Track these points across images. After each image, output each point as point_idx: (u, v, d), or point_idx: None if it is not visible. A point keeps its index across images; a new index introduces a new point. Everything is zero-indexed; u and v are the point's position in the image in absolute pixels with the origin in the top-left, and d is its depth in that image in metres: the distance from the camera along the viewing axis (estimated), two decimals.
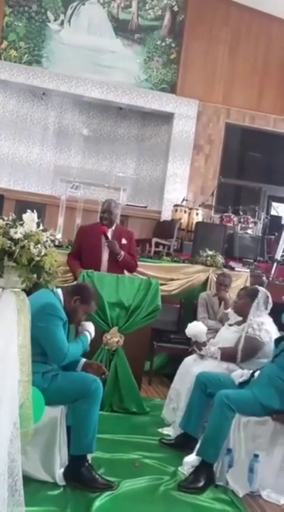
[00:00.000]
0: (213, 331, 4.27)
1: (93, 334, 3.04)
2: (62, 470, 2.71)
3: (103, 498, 2.62)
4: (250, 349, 3.40)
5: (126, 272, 4.56)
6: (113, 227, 4.53)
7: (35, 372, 2.29)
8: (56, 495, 2.60)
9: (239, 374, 3.23)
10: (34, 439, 2.33)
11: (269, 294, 3.59)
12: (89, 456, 2.80)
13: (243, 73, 9.71)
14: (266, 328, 3.43)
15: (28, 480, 2.33)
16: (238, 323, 3.65)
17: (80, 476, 2.69)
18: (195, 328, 3.78)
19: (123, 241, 4.50)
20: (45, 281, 2.08)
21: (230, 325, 3.78)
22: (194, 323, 3.89)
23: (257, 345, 3.39)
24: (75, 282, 3.98)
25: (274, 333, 3.48)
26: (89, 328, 3.03)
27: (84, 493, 2.65)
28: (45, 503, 2.49)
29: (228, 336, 3.66)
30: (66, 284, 4.21)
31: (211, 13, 9.54)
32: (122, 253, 4.43)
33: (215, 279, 5.20)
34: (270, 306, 3.57)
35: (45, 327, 2.70)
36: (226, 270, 5.50)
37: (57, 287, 2.88)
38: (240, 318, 3.66)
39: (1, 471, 1.89)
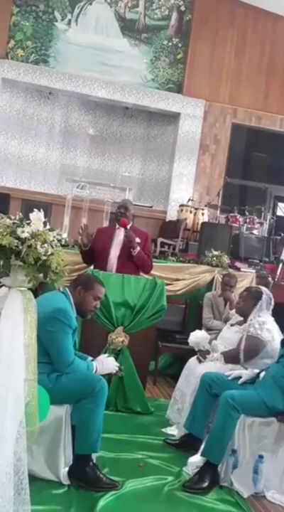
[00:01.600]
0: (218, 332, 4.27)
1: (104, 371, 2.89)
2: (67, 469, 2.72)
3: (107, 497, 2.63)
4: (253, 348, 3.39)
5: (141, 272, 4.54)
6: (128, 226, 4.47)
7: (41, 372, 2.30)
8: (61, 494, 2.61)
9: (236, 373, 3.24)
10: (39, 438, 2.34)
11: (271, 296, 3.58)
12: (94, 456, 2.81)
13: (249, 73, 9.68)
14: (268, 328, 3.41)
15: (33, 479, 2.34)
16: (240, 323, 3.65)
17: (85, 475, 2.70)
18: (197, 336, 3.79)
19: (137, 239, 4.45)
20: (52, 280, 2.08)
21: (231, 325, 3.78)
22: (197, 331, 3.90)
23: (259, 344, 3.38)
24: None
25: (276, 332, 3.47)
26: (105, 364, 2.92)
27: (88, 492, 2.65)
28: (49, 502, 2.50)
29: (229, 335, 3.67)
30: None
31: (218, 12, 9.51)
32: (138, 248, 4.40)
33: (220, 280, 5.20)
34: (271, 307, 3.56)
35: (54, 332, 2.70)
36: (231, 270, 5.49)
37: (65, 287, 2.90)
38: (241, 318, 3.66)
39: (7, 469, 1.89)
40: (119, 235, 4.49)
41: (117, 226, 4.53)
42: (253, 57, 9.71)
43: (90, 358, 3.02)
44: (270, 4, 9.36)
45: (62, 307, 2.78)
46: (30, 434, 2.04)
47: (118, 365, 3.02)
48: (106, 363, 2.93)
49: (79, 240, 4.61)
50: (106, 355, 3.10)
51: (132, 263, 4.45)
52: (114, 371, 2.96)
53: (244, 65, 9.68)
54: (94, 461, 2.78)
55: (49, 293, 2.90)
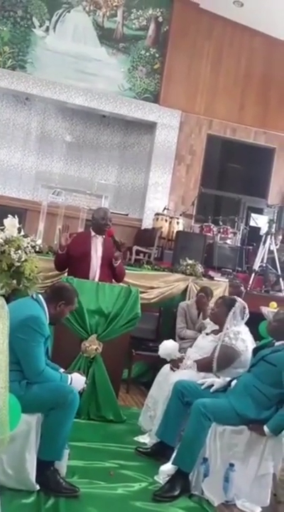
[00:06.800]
0: (191, 341, 4.30)
1: (77, 388, 2.86)
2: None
3: (77, 506, 2.60)
4: (226, 358, 3.43)
5: (113, 280, 4.53)
6: (104, 236, 4.48)
7: (12, 380, 2.27)
8: (30, 503, 2.57)
9: (209, 382, 3.26)
10: (8, 447, 2.30)
11: (246, 305, 3.63)
12: (64, 465, 2.79)
13: (225, 85, 9.84)
14: (242, 338, 3.46)
15: (2, 488, 2.31)
16: (215, 332, 3.68)
17: (45, 479, 2.70)
18: (167, 347, 3.81)
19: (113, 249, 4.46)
20: (25, 287, 2.07)
21: (207, 334, 3.81)
22: (164, 342, 3.91)
23: (233, 354, 3.42)
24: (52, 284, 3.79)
25: (250, 342, 3.52)
26: (76, 381, 2.90)
27: (58, 500, 2.63)
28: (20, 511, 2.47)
29: (204, 344, 3.70)
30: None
31: (195, 25, 9.65)
32: (120, 259, 4.43)
33: (194, 289, 5.26)
34: (246, 316, 3.61)
35: (26, 341, 2.68)
36: (205, 279, 5.56)
37: (38, 293, 2.86)
38: (216, 327, 3.70)
39: None
40: (97, 243, 4.48)
41: (93, 234, 4.50)
42: (229, 70, 9.87)
43: (62, 370, 3.01)
44: (247, 19, 9.56)
45: (35, 315, 2.75)
46: (0, 442, 2.01)
47: (85, 384, 3.00)
48: (75, 380, 2.90)
49: (57, 240, 4.57)
50: (78, 376, 3.07)
51: (110, 272, 4.46)
52: (81, 390, 2.93)
53: (220, 78, 9.84)
54: (56, 467, 2.76)
55: (21, 299, 2.86)
